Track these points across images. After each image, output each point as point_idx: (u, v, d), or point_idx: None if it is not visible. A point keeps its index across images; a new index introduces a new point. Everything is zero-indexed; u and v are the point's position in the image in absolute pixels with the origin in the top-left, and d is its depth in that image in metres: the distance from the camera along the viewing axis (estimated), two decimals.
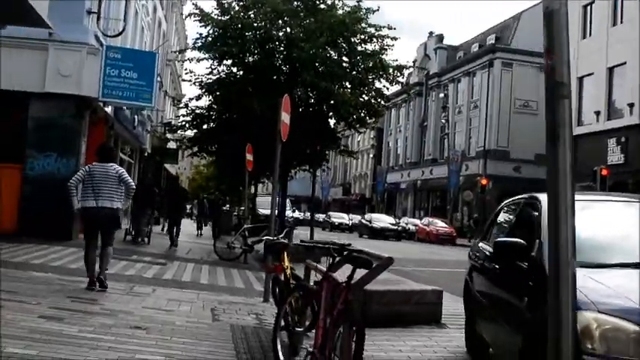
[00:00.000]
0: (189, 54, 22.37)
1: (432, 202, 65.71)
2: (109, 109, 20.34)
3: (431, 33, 70.12)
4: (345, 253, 5.27)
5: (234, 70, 21.24)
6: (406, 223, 48.10)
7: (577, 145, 38.24)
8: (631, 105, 32.52)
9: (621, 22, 34.82)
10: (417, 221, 50.22)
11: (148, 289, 10.01)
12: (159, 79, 36.52)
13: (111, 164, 9.80)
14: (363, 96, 20.91)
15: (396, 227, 44.57)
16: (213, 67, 21.05)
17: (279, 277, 7.07)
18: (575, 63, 38.01)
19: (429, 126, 66.59)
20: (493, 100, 54.94)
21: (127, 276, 11.45)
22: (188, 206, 33.20)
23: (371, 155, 79.38)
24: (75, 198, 9.52)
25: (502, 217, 6.91)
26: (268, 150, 20.04)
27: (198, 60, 21.29)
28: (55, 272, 10.68)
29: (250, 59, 20.87)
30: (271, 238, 7.70)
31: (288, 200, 36.27)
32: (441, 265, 21.70)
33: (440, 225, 44.97)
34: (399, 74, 21.72)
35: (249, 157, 17.56)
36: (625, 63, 33.73)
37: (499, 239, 5.19)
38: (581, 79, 37.99)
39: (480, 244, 7.13)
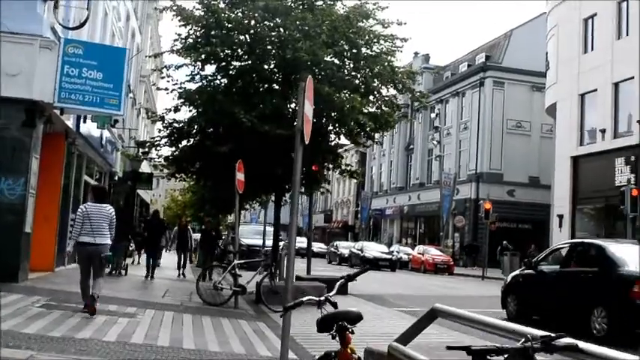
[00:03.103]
0: (166, 59, 19.31)
1: (420, 228, 62.84)
2: (70, 122, 17.08)
3: (416, 53, 67.60)
4: None
5: (219, 77, 18.11)
6: (397, 252, 44.90)
7: (579, 166, 35.97)
8: None
9: (627, 35, 32.45)
10: (408, 249, 47.24)
11: None
12: (131, 95, 33.37)
13: (105, 205, 11.08)
14: (370, 104, 17.95)
15: (390, 256, 41.36)
16: (193, 72, 17.90)
17: None
18: (576, 79, 35.70)
19: (415, 149, 63.95)
20: (484, 121, 52.51)
21: (78, 341, 7.95)
22: (169, 236, 27.65)
23: (354, 180, 76.38)
24: (73, 240, 10.77)
25: None
26: (260, 168, 17.17)
27: (177, 67, 18.15)
28: None
29: (237, 64, 17.79)
30: (321, 298, 4.44)
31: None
32: (475, 305, 18.49)
33: (435, 253, 41.91)
34: (409, 81, 18.84)
35: (239, 176, 14.35)
36: (632, 78, 31.30)
37: None
38: (582, 96, 35.66)
39: None
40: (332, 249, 50.77)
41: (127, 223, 21.83)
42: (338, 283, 4.62)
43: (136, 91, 36.06)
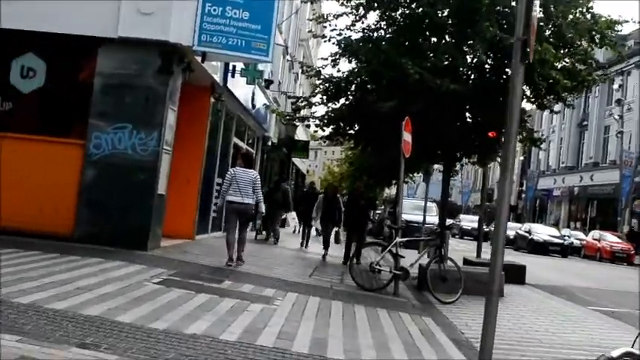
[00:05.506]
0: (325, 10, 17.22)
1: (591, 212, 57.82)
2: (216, 76, 15.33)
3: None
4: None
5: (383, 26, 15.75)
6: (569, 236, 40.96)
7: None
8: None
9: None
10: (580, 234, 43.12)
11: None
12: (289, 57, 31.67)
13: (251, 170, 12.23)
14: (565, 59, 14.98)
15: (561, 241, 37.67)
16: (354, 21, 15.62)
17: None
18: None
19: (589, 126, 58.73)
20: None
21: (185, 339, 5.74)
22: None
23: (519, 158, 71.83)
24: (222, 199, 12.10)
25: None
26: (428, 133, 14.70)
27: (336, 16, 15.99)
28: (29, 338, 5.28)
29: (405, 11, 15.37)
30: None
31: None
32: None
33: (613, 240, 37.71)
34: (611, 33, 15.62)
35: (406, 136, 11.95)
36: None
37: None
38: None
39: None
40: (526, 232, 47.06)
41: (285, 193, 21.06)
42: None
43: (295, 55, 34.39)
